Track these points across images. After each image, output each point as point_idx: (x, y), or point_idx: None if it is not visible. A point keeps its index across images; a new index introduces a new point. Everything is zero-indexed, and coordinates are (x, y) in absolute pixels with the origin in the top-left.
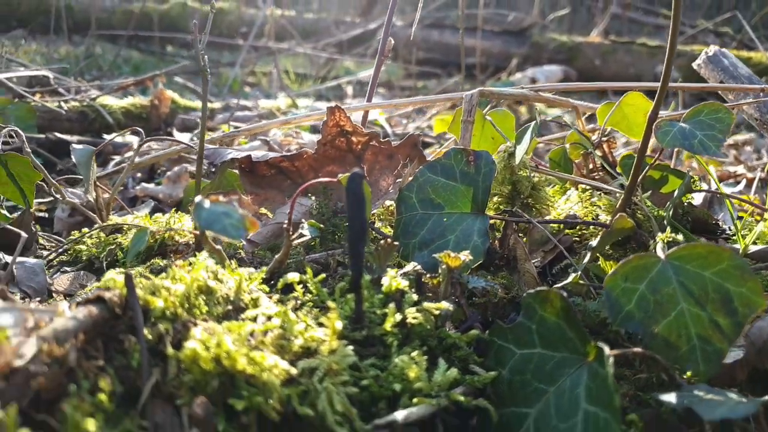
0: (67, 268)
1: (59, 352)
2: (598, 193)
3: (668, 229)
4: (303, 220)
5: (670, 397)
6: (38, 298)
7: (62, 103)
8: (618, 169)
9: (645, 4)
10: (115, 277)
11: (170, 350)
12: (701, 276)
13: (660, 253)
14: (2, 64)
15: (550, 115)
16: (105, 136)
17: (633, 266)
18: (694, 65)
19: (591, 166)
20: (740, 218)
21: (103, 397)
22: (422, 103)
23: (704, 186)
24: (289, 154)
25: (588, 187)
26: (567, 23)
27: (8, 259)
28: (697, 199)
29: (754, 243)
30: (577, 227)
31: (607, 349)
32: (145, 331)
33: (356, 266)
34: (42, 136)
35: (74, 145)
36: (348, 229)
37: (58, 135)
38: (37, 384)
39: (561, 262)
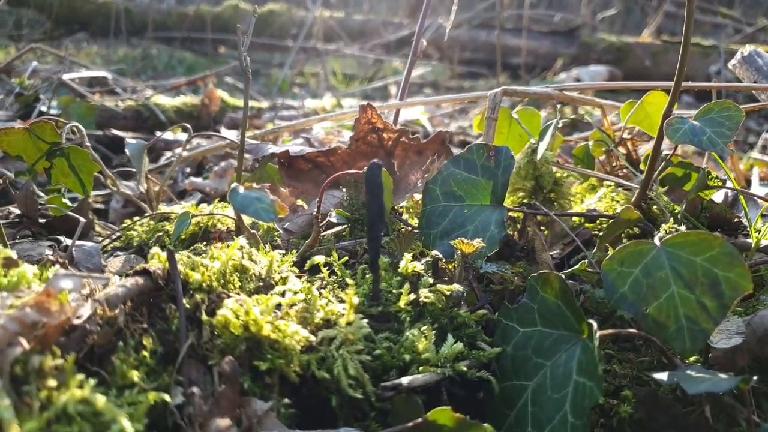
0: (120, 253)
1: (110, 314)
2: (619, 189)
3: (671, 220)
4: (332, 210)
5: (663, 376)
6: None
7: (119, 102)
8: (642, 166)
9: (702, 3)
10: (159, 252)
11: (205, 317)
12: (693, 261)
13: (656, 241)
14: (66, 65)
15: (593, 115)
16: (157, 133)
17: (629, 252)
18: (730, 65)
19: (614, 163)
20: (765, 215)
21: (145, 353)
22: (452, 101)
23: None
24: (324, 149)
25: (610, 183)
26: (620, 23)
27: (68, 242)
28: (719, 196)
29: None
30: (597, 221)
31: (595, 325)
32: (184, 301)
33: (373, 247)
34: (100, 132)
35: (128, 140)
36: (366, 212)
37: (115, 132)
38: (91, 340)
39: (579, 253)
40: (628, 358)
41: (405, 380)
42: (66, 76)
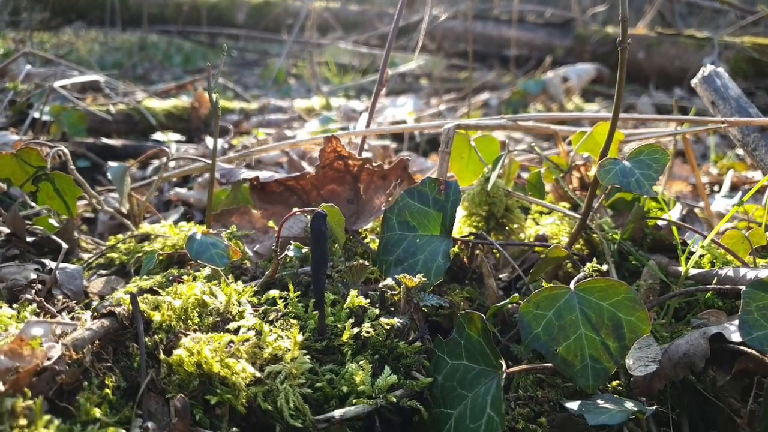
0: (103, 271)
1: (77, 356)
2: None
3: (594, 260)
4: (291, 243)
5: (574, 405)
6: (75, 300)
7: (110, 107)
8: (597, 191)
9: None
10: (123, 296)
11: (162, 356)
12: (600, 306)
13: (571, 285)
14: (57, 73)
15: (586, 110)
16: (156, 136)
17: (545, 296)
18: (692, 83)
19: (570, 186)
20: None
21: (108, 390)
22: (412, 129)
23: (677, 206)
24: (293, 175)
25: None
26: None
27: (53, 265)
28: (675, 212)
29: (711, 265)
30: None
31: (504, 366)
32: (146, 339)
33: (318, 289)
34: (91, 140)
35: (110, 163)
36: (311, 259)
37: (105, 140)
38: (60, 379)
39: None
40: (556, 382)
41: (338, 413)
42: (57, 84)
